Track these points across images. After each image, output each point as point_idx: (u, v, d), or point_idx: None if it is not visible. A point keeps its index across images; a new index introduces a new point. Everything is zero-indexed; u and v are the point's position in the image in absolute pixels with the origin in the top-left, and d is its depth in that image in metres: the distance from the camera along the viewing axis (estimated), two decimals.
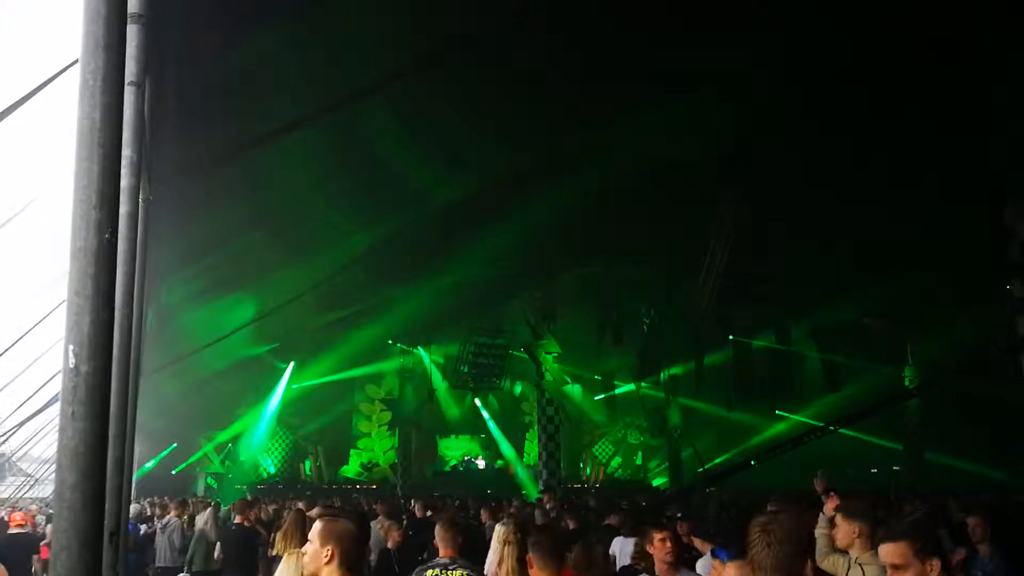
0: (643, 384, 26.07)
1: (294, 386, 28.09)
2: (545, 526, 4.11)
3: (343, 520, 3.10)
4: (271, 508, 11.63)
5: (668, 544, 4.93)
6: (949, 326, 20.19)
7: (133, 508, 12.54)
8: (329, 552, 2.98)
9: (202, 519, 10.84)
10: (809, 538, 2.45)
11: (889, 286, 18.57)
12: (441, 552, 4.96)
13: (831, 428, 18.59)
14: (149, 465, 26.27)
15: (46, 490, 21.78)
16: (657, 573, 4.93)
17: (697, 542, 6.21)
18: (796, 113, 12.65)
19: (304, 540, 5.21)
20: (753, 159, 14.13)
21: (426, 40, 9.84)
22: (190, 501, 14.13)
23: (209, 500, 15.24)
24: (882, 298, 19.83)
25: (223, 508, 13.25)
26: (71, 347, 1.72)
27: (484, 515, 10.60)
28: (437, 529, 5.22)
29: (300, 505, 12.93)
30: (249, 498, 12.74)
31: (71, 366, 1.72)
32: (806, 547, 2.37)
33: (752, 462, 17.04)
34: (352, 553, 3.04)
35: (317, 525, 3.10)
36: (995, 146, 12.98)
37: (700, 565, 5.25)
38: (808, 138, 13.27)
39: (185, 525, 11.26)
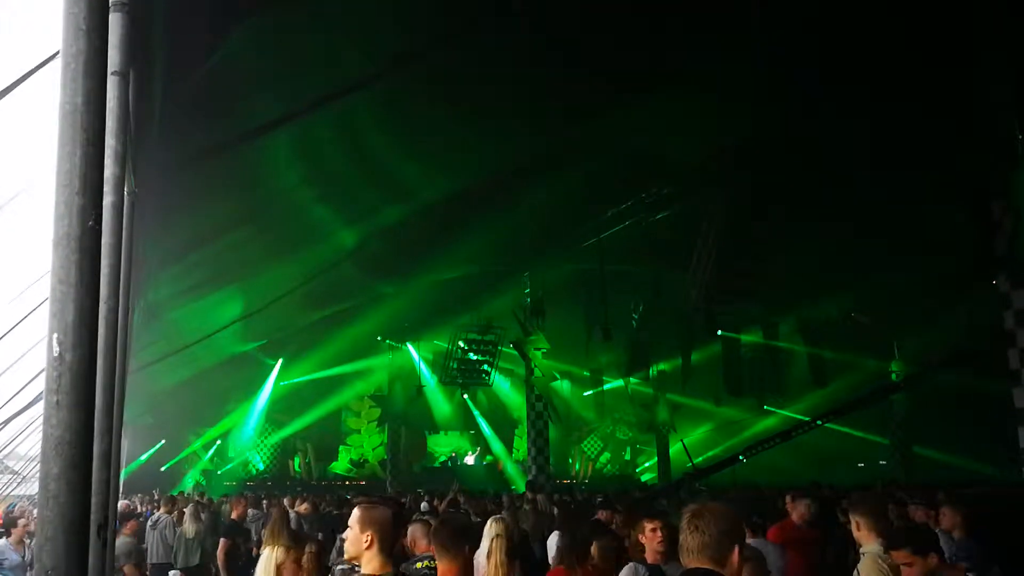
0: (632, 380, 26.12)
1: (282, 383, 28.03)
2: (445, 517, 4.17)
3: (381, 507, 3.30)
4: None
5: (659, 534, 4.94)
6: (936, 320, 20.31)
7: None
8: (369, 537, 3.17)
9: (186, 516, 10.87)
10: (739, 526, 2.52)
11: (876, 281, 18.67)
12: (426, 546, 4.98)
13: (818, 422, 18.70)
14: (143, 458, 26.23)
15: (33, 487, 21.64)
16: (650, 563, 4.95)
17: None
18: (785, 110, 12.69)
19: (289, 536, 5.20)
20: (743, 155, 14.17)
21: (415, 36, 9.81)
22: (179, 497, 14.11)
23: (192, 497, 15.22)
24: (869, 293, 19.95)
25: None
26: (55, 335, 1.70)
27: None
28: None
29: (285, 501, 12.97)
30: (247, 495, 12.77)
31: (55, 355, 1.69)
32: (734, 533, 2.43)
33: (741, 457, 17.10)
34: (390, 538, 3.27)
35: (357, 512, 3.29)
36: (982, 141, 13.06)
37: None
38: (797, 135, 13.32)
39: (175, 521, 11.27)
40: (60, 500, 1.66)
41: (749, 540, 4.99)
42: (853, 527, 4.32)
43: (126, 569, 8.53)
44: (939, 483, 14.64)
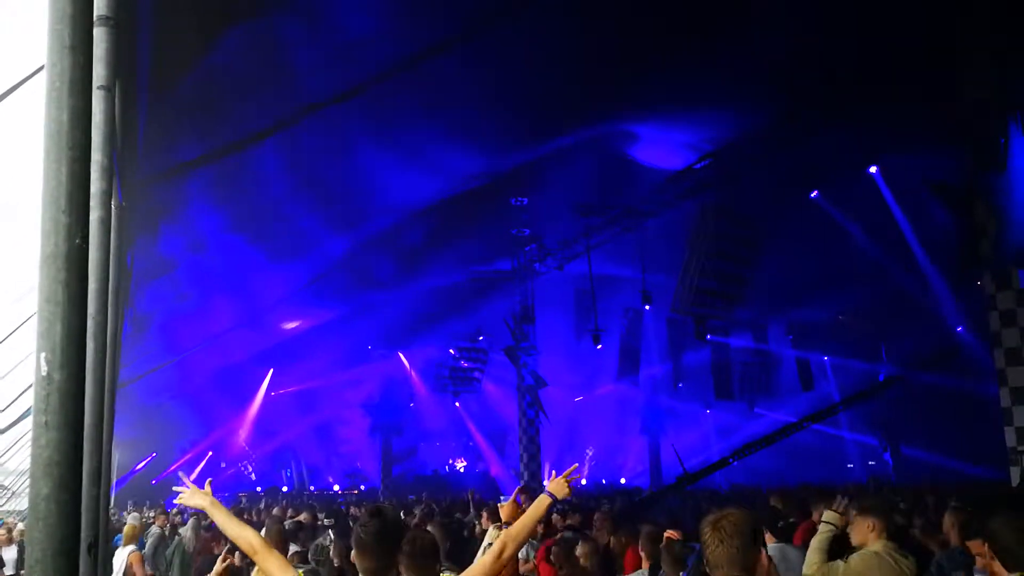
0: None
1: (273, 393, 27.92)
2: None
3: None
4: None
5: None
6: (922, 322, 20.40)
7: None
8: None
9: (185, 529, 10.76)
10: (760, 528, 2.44)
11: (863, 284, 18.76)
12: None
13: (805, 424, 18.77)
14: (136, 470, 26.08)
15: (23, 503, 21.43)
16: None
17: None
18: (775, 114, 12.76)
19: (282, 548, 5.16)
20: (733, 160, 14.22)
21: (401, 45, 9.81)
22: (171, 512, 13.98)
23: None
24: (856, 296, 20.04)
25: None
26: (43, 355, 1.68)
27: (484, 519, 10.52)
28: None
29: (276, 511, 12.86)
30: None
31: (43, 374, 1.67)
32: (757, 537, 2.36)
33: (730, 459, 17.10)
34: None
35: None
36: (965, 142, 13.12)
37: None
38: (786, 138, 13.38)
39: (167, 534, 11.14)
40: (49, 521, 1.64)
41: (770, 544, 4.96)
42: (866, 528, 4.26)
43: None
44: (924, 482, 14.71)
